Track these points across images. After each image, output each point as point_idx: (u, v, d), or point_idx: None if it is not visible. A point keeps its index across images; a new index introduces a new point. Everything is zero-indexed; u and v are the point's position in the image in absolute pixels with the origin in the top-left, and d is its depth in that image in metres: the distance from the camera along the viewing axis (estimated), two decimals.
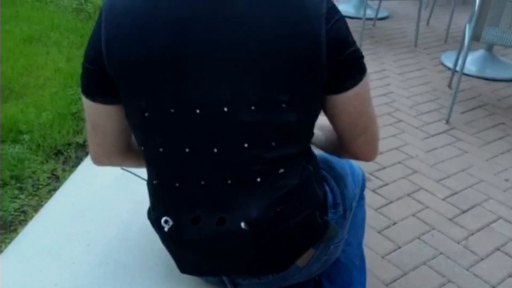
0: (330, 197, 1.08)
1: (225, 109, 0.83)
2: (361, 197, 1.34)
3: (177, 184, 0.91)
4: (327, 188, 1.08)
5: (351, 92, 0.91)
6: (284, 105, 0.84)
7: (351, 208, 1.16)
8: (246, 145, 0.86)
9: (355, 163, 1.28)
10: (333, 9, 0.86)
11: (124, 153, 1.03)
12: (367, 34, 4.48)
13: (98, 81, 0.89)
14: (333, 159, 1.21)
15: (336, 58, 0.86)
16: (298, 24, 0.82)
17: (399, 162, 2.54)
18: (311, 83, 0.86)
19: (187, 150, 0.88)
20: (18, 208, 1.84)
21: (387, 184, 2.34)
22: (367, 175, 2.37)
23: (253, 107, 0.83)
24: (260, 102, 0.83)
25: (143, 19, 0.82)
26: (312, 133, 0.98)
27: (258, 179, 0.88)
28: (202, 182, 0.90)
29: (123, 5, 0.84)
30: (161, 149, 0.90)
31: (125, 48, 0.83)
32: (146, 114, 0.86)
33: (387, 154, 2.61)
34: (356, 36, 4.08)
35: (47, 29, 3.52)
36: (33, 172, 2.05)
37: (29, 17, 3.79)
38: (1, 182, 1.97)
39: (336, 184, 1.13)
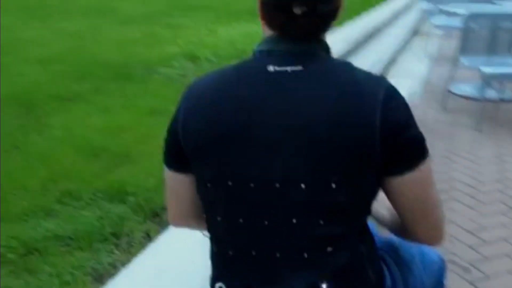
0: (388, 281, 1.07)
1: (277, 185, 0.90)
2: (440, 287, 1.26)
3: (231, 253, 0.98)
4: (386, 272, 1.08)
5: (407, 176, 0.93)
6: (333, 186, 0.88)
7: None
8: (294, 220, 0.91)
9: (432, 249, 1.23)
10: (391, 92, 0.92)
11: (198, 217, 1.11)
12: (488, 116, 4.24)
13: (175, 153, 1.02)
14: (401, 242, 1.19)
15: (390, 142, 0.89)
16: (353, 114, 0.88)
17: (507, 255, 2.29)
18: (364, 167, 0.90)
19: (241, 220, 0.95)
20: (111, 263, 2.00)
21: (488, 278, 2.11)
22: (466, 265, 2.17)
23: (303, 185, 0.89)
24: (310, 182, 0.89)
25: (217, 103, 0.94)
26: (367, 214, 0.99)
27: (305, 255, 0.92)
28: (253, 253, 0.95)
29: (202, 89, 0.98)
30: (219, 218, 0.98)
31: (198, 127, 0.95)
32: (209, 185, 0.97)
33: (493, 245, 2.37)
34: (475, 118, 3.98)
35: (170, 103, 3.91)
36: (131, 231, 2.23)
37: (157, 92, 4.26)
38: (102, 237, 2.18)
39: (398, 268, 1.12)
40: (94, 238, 2.16)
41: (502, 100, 4.63)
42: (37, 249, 2.09)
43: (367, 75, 0.95)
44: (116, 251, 2.08)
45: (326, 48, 0.98)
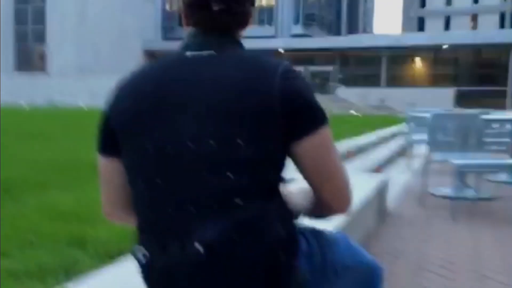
0: (304, 245, 1.13)
1: (189, 143, 1.02)
2: None
3: (150, 216, 1.07)
4: (301, 237, 1.13)
5: (309, 139, 1.05)
6: (239, 141, 1.00)
7: (336, 272, 1.18)
8: (204, 173, 1.01)
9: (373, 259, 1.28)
10: (289, 67, 1.07)
11: (128, 208, 1.16)
12: (464, 210, 4.28)
13: (106, 137, 1.14)
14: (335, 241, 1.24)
15: (289, 108, 1.03)
16: (254, 83, 1.03)
17: None
18: (266, 127, 1.02)
19: (158, 181, 1.04)
20: None
21: None
22: None
23: (211, 142, 1.00)
24: (219, 138, 1.01)
25: (139, 85, 1.10)
26: (275, 175, 1.08)
27: (215, 206, 1.00)
28: (169, 210, 1.03)
29: (130, 78, 1.13)
30: (140, 182, 1.07)
31: (124, 107, 1.09)
32: (132, 155, 1.08)
33: None
34: (451, 212, 4.03)
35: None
36: (83, 269, 2.19)
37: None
38: (55, 274, 2.14)
39: (316, 240, 1.18)
40: (47, 274, 2.14)
41: (479, 199, 4.71)
42: None
43: (269, 58, 1.12)
44: (65, 284, 2.03)
45: (239, 43, 1.16)
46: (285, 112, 1.02)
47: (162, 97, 1.06)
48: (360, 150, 7.62)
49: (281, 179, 1.10)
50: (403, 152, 8.60)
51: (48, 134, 9.16)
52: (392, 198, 4.66)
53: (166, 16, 47.37)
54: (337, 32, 52.36)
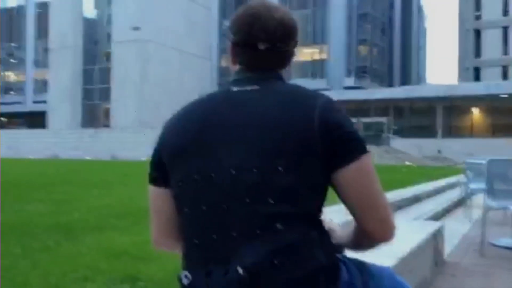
0: (345, 273, 1.14)
1: (233, 171, 1.08)
2: None
3: (196, 241, 1.13)
4: (343, 267, 1.14)
5: (350, 168, 1.09)
6: (280, 169, 1.06)
7: None
8: (247, 200, 1.06)
9: None
10: (329, 100, 1.13)
11: (176, 237, 1.23)
12: None
13: (156, 169, 1.22)
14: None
15: (329, 138, 1.08)
16: (295, 114, 1.10)
17: None
18: (306, 155, 1.08)
19: (204, 208, 1.10)
20: None
21: None
22: None
23: (254, 170, 1.07)
24: (261, 167, 1.06)
25: (187, 118, 1.19)
26: (316, 203, 1.11)
27: (258, 231, 1.05)
28: (214, 236, 1.09)
29: (178, 113, 1.23)
30: (186, 209, 1.15)
31: (173, 140, 1.18)
32: (180, 184, 1.15)
33: None
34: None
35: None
36: None
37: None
38: None
39: (358, 270, 1.18)
40: None
41: None
42: None
43: (310, 90, 1.19)
44: None
45: (281, 79, 1.24)
46: (325, 142, 1.07)
47: (208, 129, 1.13)
48: (416, 200, 7.41)
49: (322, 209, 1.13)
50: (461, 203, 8.27)
51: (108, 183, 9.59)
52: (450, 248, 4.48)
53: (222, 72, 49.22)
54: (390, 84, 52.13)
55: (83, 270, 2.85)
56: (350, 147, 1.09)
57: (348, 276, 1.13)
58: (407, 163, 27.66)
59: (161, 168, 1.20)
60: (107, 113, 39.32)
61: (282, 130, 1.07)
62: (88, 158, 32.45)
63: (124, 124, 36.01)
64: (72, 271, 2.83)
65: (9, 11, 54.17)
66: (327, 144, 1.07)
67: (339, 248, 1.21)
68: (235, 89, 1.18)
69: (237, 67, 1.24)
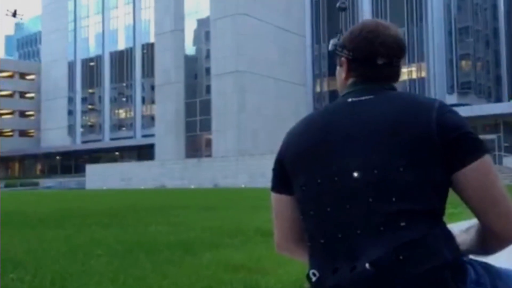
0: (472, 273, 1.16)
1: (355, 174, 1.15)
2: None
3: (322, 241, 1.19)
4: (470, 267, 1.17)
5: (470, 167, 1.12)
6: (401, 169, 1.12)
7: None
8: (370, 199, 1.13)
9: None
10: (444, 104, 1.21)
11: (298, 241, 1.34)
12: None
13: (279, 177, 1.32)
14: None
15: (448, 139, 1.13)
16: (413, 118, 1.16)
17: None
18: (425, 156, 1.13)
19: (328, 209, 1.18)
20: None
21: None
22: None
23: (375, 171, 1.13)
24: (382, 167, 1.13)
25: (307, 128, 1.28)
26: (439, 201, 1.15)
27: (382, 228, 1.10)
28: (340, 235, 1.15)
29: (297, 125, 1.34)
30: (311, 213, 1.22)
31: (294, 149, 1.28)
32: (303, 188, 1.24)
33: None
34: None
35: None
36: None
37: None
38: None
39: (486, 272, 1.19)
40: None
41: None
42: None
43: (426, 96, 1.27)
44: None
45: (394, 88, 1.32)
46: (444, 143, 1.11)
47: (328, 136, 1.22)
48: None
49: (444, 207, 1.16)
50: None
51: (214, 207, 10.09)
52: None
53: (316, 97, 49.38)
54: (498, 99, 48.59)
55: (207, 280, 3.10)
56: (470, 147, 1.13)
57: (476, 276, 1.15)
58: None
59: (283, 176, 1.29)
60: (208, 143, 41.11)
61: (400, 132, 1.13)
62: (192, 186, 34.05)
63: (225, 153, 37.36)
64: (198, 281, 3.09)
65: (119, 53, 59.38)
66: (445, 145, 1.11)
67: (462, 253, 1.21)
68: (349, 99, 1.26)
69: (349, 81, 1.32)
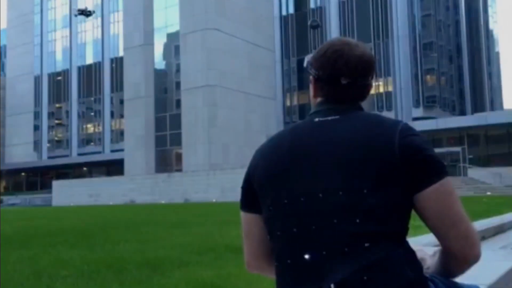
0: None
1: (320, 195, 1.17)
2: None
3: (289, 261, 1.22)
4: (431, 284, 1.20)
5: (431, 189, 1.15)
6: (365, 191, 1.14)
7: None
8: (335, 221, 1.15)
9: None
10: (407, 126, 1.23)
11: (268, 259, 1.35)
12: None
13: (247, 195, 1.35)
14: None
15: (410, 162, 1.15)
16: (376, 140, 1.18)
17: None
18: (388, 178, 1.15)
19: (295, 230, 1.19)
20: None
21: None
22: None
23: (340, 193, 1.16)
24: (346, 189, 1.15)
25: (274, 149, 1.30)
26: (401, 223, 1.17)
27: (346, 249, 1.12)
28: (306, 256, 1.16)
29: (265, 145, 1.36)
30: (278, 233, 1.25)
31: (262, 170, 1.29)
32: (271, 208, 1.25)
33: None
34: None
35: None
36: None
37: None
38: None
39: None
40: None
41: None
42: None
43: (389, 118, 1.27)
44: None
45: (360, 108, 1.33)
46: (405, 166, 1.14)
47: (295, 156, 1.23)
48: (500, 230, 7.07)
49: (407, 227, 1.18)
50: None
51: (185, 223, 9.95)
52: None
53: (286, 111, 49.81)
54: (462, 112, 50.12)
55: None
56: (430, 170, 1.16)
57: None
58: (488, 193, 26.15)
59: (251, 195, 1.30)
60: (179, 157, 40.78)
61: (364, 155, 1.16)
62: (163, 201, 33.58)
63: (195, 167, 37.10)
64: None
65: (87, 67, 58.55)
66: (408, 167, 1.14)
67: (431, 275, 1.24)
68: (316, 119, 1.27)
69: (317, 100, 1.33)
